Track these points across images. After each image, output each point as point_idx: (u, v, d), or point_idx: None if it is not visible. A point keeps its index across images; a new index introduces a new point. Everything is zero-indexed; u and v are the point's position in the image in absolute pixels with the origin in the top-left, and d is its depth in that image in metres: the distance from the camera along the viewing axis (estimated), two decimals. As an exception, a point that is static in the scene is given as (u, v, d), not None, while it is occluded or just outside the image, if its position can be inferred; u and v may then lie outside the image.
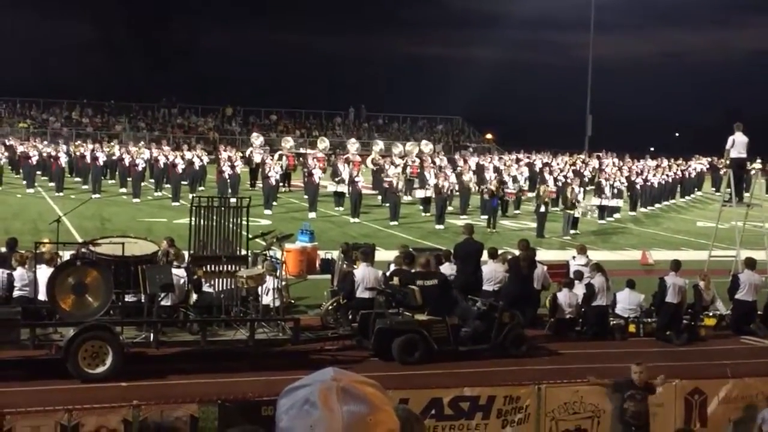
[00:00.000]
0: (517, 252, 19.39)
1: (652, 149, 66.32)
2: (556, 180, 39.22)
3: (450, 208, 35.88)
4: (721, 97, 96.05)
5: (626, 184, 40.30)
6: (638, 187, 41.57)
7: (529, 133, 72.63)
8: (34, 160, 40.28)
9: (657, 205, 43.76)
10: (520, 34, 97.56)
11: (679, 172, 49.22)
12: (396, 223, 32.77)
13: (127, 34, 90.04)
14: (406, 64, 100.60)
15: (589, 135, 69.13)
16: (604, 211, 36.97)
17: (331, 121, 75.85)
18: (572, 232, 31.91)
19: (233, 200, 17.29)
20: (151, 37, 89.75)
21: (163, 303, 14.84)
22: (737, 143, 23.08)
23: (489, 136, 78.03)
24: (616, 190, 37.40)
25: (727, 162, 23.82)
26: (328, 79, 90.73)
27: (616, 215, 38.04)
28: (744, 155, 23.69)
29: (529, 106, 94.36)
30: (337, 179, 36.79)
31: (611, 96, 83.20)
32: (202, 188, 38.75)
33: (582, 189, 35.55)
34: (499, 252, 19.62)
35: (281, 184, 39.67)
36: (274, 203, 35.50)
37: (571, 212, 32.26)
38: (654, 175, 44.06)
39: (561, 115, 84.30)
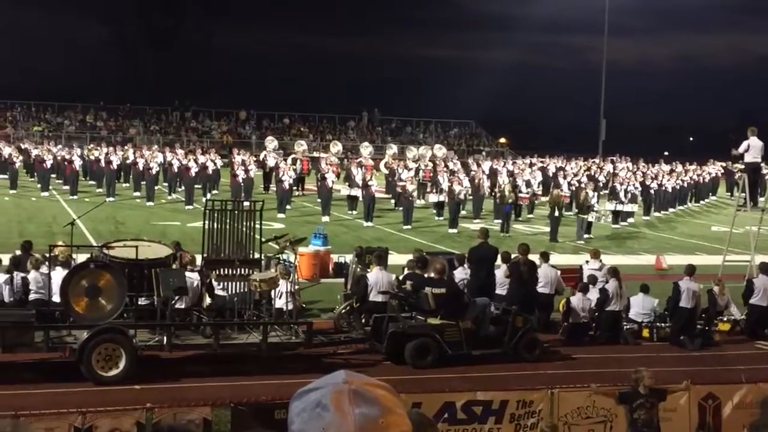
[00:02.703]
0: (534, 256, 19.32)
1: (666, 153, 66.12)
2: (570, 184, 39.05)
3: (463, 212, 35.83)
4: (735, 101, 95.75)
5: (640, 188, 40.09)
6: (652, 191, 41.38)
7: (543, 137, 72.60)
8: (49, 163, 40.42)
9: (671, 210, 43.54)
10: (534, 37, 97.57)
11: (695, 177, 48.84)
12: (409, 227, 32.72)
13: (142, 38, 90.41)
14: (420, 67, 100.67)
15: (603, 139, 68.93)
16: (618, 215, 36.85)
17: (344, 124, 75.87)
18: (586, 236, 31.83)
19: (246, 203, 17.31)
20: (166, 41, 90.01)
21: (176, 306, 14.87)
22: (752, 147, 22.99)
23: (502, 140, 77.91)
24: (630, 195, 37.26)
25: (739, 162, 23.74)
26: (341, 82, 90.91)
27: (630, 220, 37.86)
28: (759, 159, 23.61)
29: (542, 110, 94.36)
30: (350, 183, 36.76)
31: (625, 100, 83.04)
32: (216, 192, 38.78)
33: (596, 193, 35.36)
34: (513, 256, 19.56)
35: (295, 188, 39.63)
36: (288, 207, 35.52)
37: (585, 216, 32.18)
38: (668, 180, 43.85)
39: (575, 119, 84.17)
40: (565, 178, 40.07)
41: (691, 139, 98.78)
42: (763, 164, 27.82)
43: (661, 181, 42.86)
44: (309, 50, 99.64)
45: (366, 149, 47.59)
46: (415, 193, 35.57)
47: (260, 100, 74.99)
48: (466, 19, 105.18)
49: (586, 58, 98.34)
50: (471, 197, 37.19)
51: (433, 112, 79.25)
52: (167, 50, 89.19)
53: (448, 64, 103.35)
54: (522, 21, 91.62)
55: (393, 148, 51.30)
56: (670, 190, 43.19)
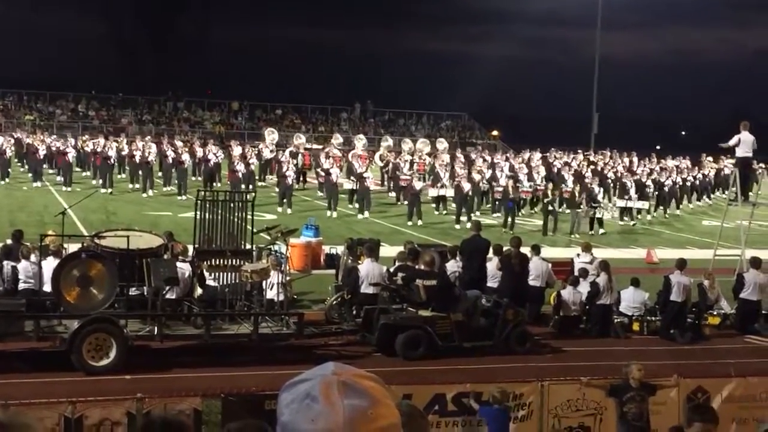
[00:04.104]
0: (526, 249, 19.32)
1: (658, 148, 66.08)
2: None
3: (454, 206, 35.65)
4: (728, 95, 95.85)
5: (652, 185, 39.17)
6: (666, 188, 40.12)
7: (535, 130, 72.59)
8: (42, 153, 40.14)
9: (682, 206, 42.21)
10: (528, 30, 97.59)
11: (707, 173, 47.64)
12: (412, 222, 31.95)
13: (135, 28, 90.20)
14: (413, 60, 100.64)
15: (595, 133, 68.95)
16: (629, 212, 35.91)
17: (337, 116, 75.76)
18: (601, 232, 31.56)
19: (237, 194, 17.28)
20: (159, 31, 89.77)
21: (167, 296, 14.86)
22: (743, 142, 23.02)
23: (495, 132, 77.91)
24: (640, 191, 36.57)
25: (728, 156, 23.79)
26: (334, 73, 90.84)
27: (639, 216, 36.97)
28: (750, 154, 23.64)
29: (535, 104, 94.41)
30: (353, 177, 36.20)
31: (618, 94, 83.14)
32: (218, 185, 38.13)
33: (601, 188, 34.79)
34: (504, 249, 19.57)
35: (297, 182, 38.65)
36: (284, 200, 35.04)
37: (579, 210, 32.17)
38: (678, 176, 42.88)
39: (567, 112, 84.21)
40: (573, 174, 39.41)
41: (683, 133, 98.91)
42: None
43: (675, 177, 41.91)
44: (302, 42, 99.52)
45: (360, 141, 47.45)
46: (420, 188, 34.06)
47: (253, 90, 74.87)
48: (461, 12, 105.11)
49: (579, 52, 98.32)
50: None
51: (425, 105, 79.24)
52: (161, 41, 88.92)
53: (442, 56, 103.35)
54: (516, 15, 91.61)
55: (388, 141, 51.11)
56: (675, 185, 42.18)
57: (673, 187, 41.10)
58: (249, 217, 15.90)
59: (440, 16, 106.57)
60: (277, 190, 36.35)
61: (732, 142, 23.18)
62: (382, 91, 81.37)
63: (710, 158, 50.44)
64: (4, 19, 77.68)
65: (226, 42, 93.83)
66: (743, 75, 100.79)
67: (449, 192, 35.17)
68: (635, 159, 49.10)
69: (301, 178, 41.48)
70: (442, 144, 50.43)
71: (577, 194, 33.22)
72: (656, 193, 39.36)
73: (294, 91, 77.17)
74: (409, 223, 32.00)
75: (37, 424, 9.34)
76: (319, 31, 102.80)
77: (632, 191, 36.24)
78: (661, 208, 39.88)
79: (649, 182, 38.98)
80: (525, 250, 19.12)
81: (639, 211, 37.13)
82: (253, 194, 16.58)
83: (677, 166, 45.86)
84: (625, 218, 36.50)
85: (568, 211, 33.66)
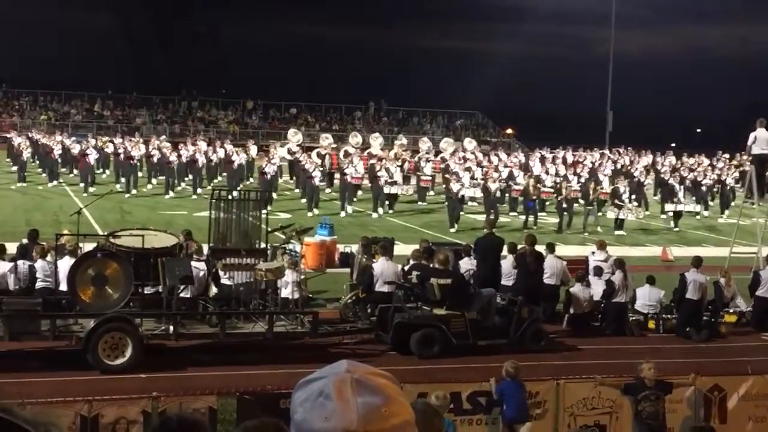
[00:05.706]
0: (541, 248, 19.25)
1: (673, 145, 65.81)
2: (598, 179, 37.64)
3: (474, 205, 35.55)
4: (743, 92, 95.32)
5: (669, 182, 38.48)
6: (704, 188, 39.36)
7: (549, 128, 72.37)
8: (57, 153, 40.12)
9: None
10: (541, 28, 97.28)
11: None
12: (454, 230, 30.27)
13: (148, 26, 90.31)
14: (426, 58, 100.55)
15: (609, 131, 68.79)
16: (678, 217, 34.16)
17: (351, 114, 75.72)
18: (617, 232, 31.25)
19: (252, 193, 17.31)
20: (171, 29, 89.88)
21: (182, 295, 14.90)
22: (759, 139, 22.90)
23: (509, 131, 77.73)
24: (688, 192, 35.71)
25: (749, 158, 23.69)
26: (348, 72, 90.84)
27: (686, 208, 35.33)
28: (766, 151, 23.51)
29: (549, 101, 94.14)
30: (390, 180, 35.31)
31: (632, 91, 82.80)
32: (248, 182, 37.73)
33: (628, 189, 34.18)
34: (519, 247, 19.52)
35: (323, 183, 38.23)
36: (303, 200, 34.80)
37: (591, 208, 32.03)
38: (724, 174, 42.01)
39: (581, 110, 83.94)
40: (604, 174, 38.88)
41: (698, 130, 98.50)
42: None
43: (725, 177, 40.51)
44: (315, 40, 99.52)
45: (377, 140, 47.39)
46: (457, 192, 32.23)
47: (266, 89, 74.88)
48: (474, 10, 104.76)
49: (593, 50, 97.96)
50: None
51: (439, 103, 79.09)
52: (174, 40, 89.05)
53: (456, 54, 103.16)
54: (529, 12, 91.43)
55: (402, 139, 51.06)
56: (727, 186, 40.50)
57: (724, 188, 39.96)
58: (263, 215, 15.93)
59: (453, 14, 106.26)
60: (297, 190, 36.28)
61: (749, 140, 23.07)
62: (396, 89, 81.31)
63: (726, 155, 50.12)
64: (18, 18, 78.00)
65: (242, 41, 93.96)
66: (758, 71, 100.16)
67: (469, 192, 34.86)
68: (672, 158, 48.04)
69: (329, 180, 40.84)
70: (471, 144, 50.15)
71: (591, 192, 33.12)
72: (694, 194, 38.56)
73: (308, 89, 77.13)
74: (453, 230, 30.16)
75: (61, 422, 9.39)
76: (332, 29, 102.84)
77: (681, 194, 34.88)
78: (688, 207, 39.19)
79: (672, 181, 38.52)
80: (540, 248, 19.05)
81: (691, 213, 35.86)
82: (267, 193, 16.59)
83: (712, 165, 45.05)
84: (700, 216, 35.35)
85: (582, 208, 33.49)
